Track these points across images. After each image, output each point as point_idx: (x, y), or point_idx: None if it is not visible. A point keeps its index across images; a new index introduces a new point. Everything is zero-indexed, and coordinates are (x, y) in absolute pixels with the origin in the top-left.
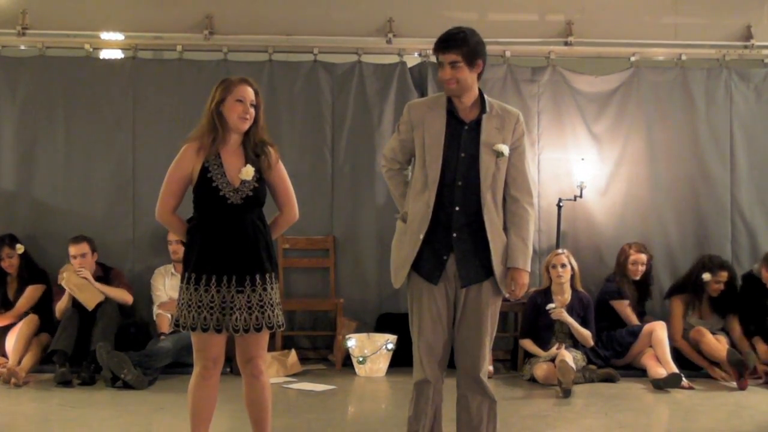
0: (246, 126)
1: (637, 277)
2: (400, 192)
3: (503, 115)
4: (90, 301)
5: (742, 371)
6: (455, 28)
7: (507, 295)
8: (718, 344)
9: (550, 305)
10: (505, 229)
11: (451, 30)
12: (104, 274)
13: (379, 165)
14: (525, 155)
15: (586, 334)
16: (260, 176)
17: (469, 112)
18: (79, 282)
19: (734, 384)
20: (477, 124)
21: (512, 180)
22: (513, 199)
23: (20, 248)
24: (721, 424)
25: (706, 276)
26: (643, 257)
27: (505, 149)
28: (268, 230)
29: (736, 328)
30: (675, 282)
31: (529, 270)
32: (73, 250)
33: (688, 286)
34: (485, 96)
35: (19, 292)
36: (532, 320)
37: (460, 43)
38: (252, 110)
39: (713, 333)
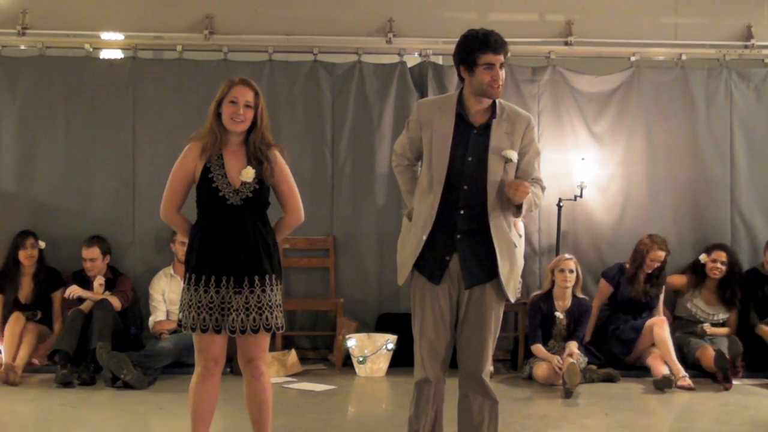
0: (239, 128)
1: (650, 271)
2: (408, 188)
3: (513, 118)
4: None
5: (727, 374)
6: (484, 30)
7: (509, 298)
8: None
9: (558, 314)
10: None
11: (486, 30)
12: (114, 277)
13: (390, 159)
14: (536, 159)
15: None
16: (261, 179)
17: (480, 115)
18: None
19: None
20: (486, 128)
21: (523, 174)
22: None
23: (42, 244)
24: (721, 424)
25: (703, 257)
26: (662, 255)
27: (513, 155)
28: (271, 232)
29: (733, 324)
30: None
31: (529, 209)
32: (83, 253)
33: (692, 267)
34: (496, 99)
35: (35, 291)
36: (539, 325)
37: (506, 45)
38: (246, 112)
39: (715, 323)
